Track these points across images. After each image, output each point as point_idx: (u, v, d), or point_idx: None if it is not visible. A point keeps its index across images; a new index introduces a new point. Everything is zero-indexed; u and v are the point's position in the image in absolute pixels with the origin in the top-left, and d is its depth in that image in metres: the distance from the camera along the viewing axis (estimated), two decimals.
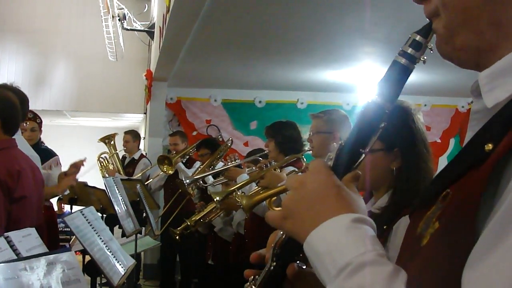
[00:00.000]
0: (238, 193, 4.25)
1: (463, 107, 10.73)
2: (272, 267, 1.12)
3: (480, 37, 0.93)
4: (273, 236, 1.18)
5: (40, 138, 6.16)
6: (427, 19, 1.04)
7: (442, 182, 0.96)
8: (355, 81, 9.00)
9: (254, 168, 4.84)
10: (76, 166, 4.59)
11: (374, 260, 0.89)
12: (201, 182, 5.87)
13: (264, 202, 3.95)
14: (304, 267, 1.12)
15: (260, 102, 10.37)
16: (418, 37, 1.05)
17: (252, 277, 1.20)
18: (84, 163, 4.81)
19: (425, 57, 1.06)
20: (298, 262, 1.11)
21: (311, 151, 4.00)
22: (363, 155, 1.09)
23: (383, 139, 2.12)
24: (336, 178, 1.04)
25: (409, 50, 1.05)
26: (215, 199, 4.41)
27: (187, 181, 5.57)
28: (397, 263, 0.95)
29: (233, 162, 5.05)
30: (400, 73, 1.06)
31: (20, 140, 3.72)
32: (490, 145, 0.84)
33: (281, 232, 1.11)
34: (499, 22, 0.91)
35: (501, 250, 0.74)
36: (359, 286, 0.87)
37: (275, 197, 3.82)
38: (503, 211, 0.76)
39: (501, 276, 0.72)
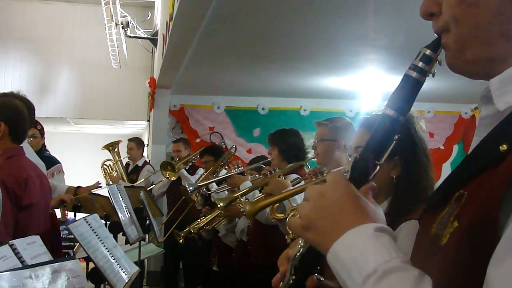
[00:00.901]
0: (242, 199, 4.26)
1: (466, 113, 10.72)
2: (291, 281, 1.13)
3: (491, 49, 0.97)
4: (288, 250, 1.19)
5: (44, 145, 6.16)
6: (436, 35, 1.08)
7: (454, 184, 0.99)
8: (358, 88, 9.01)
9: (257, 175, 4.84)
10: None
11: (399, 267, 0.90)
12: (204, 189, 5.88)
13: (267, 209, 3.96)
14: (322, 279, 1.14)
15: (263, 109, 10.37)
16: (428, 52, 1.09)
17: None
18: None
19: (434, 70, 1.10)
20: (316, 274, 1.12)
21: (315, 159, 4.01)
22: (378, 167, 1.12)
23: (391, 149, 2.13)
24: (355, 189, 1.06)
25: (420, 64, 1.09)
26: (219, 205, 4.41)
27: (191, 188, 5.58)
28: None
29: (236, 169, 5.05)
30: (412, 86, 1.10)
31: (27, 148, 3.73)
32: (504, 145, 0.87)
33: (299, 246, 1.13)
34: (509, 34, 0.96)
35: None
36: None
37: (277, 204, 3.83)
38: None
39: None
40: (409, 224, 1.92)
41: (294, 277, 1.13)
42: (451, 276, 0.89)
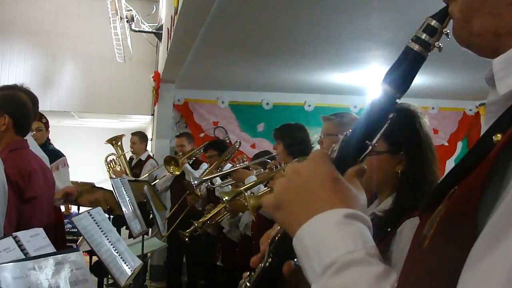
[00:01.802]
0: (246, 193, 4.25)
1: (470, 110, 10.70)
2: (267, 264, 1.04)
3: (498, 19, 0.85)
4: (270, 231, 1.10)
5: (48, 139, 6.16)
6: (444, 3, 0.98)
7: (450, 180, 0.88)
8: (363, 83, 8.99)
9: (262, 170, 4.84)
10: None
11: (362, 259, 0.83)
12: (209, 183, 5.88)
13: None
14: (299, 264, 1.01)
15: (267, 104, 10.37)
16: (433, 22, 0.99)
17: (248, 273, 1.11)
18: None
19: (440, 44, 0.99)
20: (295, 260, 1.00)
21: None
22: (370, 148, 1.02)
23: (389, 141, 2.11)
24: (335, 170, 0.96)
25: (423, 36, 0.99)
26: (224, 199, 4.41)
27: (195, 182, 5.58)
28: (403, 269, 0.89)
29: (241, 164, 5.05)
30: (413, 60, 1.00)
31: (30, 141, 3.73)
32: (498, 135, 0.77)
33: (279, 227, 1.04)
34: None
35: (496, 254, 0.67)
36: (343, 286, 0.81)
37: None
38: (500, 211, 0.70)
39: (492, 282, 0.66)
40: (414, 221, 1.90)
41: (270, 260, 1.04)
42: (429, 280, 0.79)
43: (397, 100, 1.02)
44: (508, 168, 0.74)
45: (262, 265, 1.06)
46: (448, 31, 0.97)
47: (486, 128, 0.86)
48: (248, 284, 1.09)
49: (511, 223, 0.67)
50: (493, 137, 0.78)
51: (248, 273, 1.12)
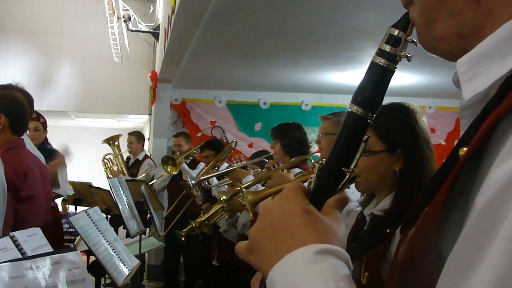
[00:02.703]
0: (244, 191, 4.24)
1: None
2: None
3: (459, 19, 0.78)
4: (259, 274, 1.05)
5: (46, 138, 6.15)
6: (405, 9, 0.91)
7: (424, 197, 0.83)
8: None
9: (259, 169, 4.84)
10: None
11: None
12: (206, 183, 5.87)
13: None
14: None
15: (264, 103, 10.37)
16: (395, 32, 0.92)
17: None
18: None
19: (409, 54, 0.93)
20: None
21: (318, 153, 4.01)
22: (348, 175, 0.95)
23: (385, 140, 2.10)
24: (307, 203, 0.90)
25: (387, 48, 0.92)
26: (221, 198, 4.41)
27: (193, 181, 5.58)
28: None
29: (238, 163, 5.05)
30: (380, 75, 0.93)
31: (26, 141, 3.73)
32: (464, 149, 0.72)
33: None
34: None
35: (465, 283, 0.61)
36: None
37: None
38: (458, 244, 0.65)
39: None
40: None
41: None
42: None
43: (369, 121, 0.96)
44: (473, 185, 0.69)
45: None
46: (415, 39, 0.91)
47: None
48: None
49: (466, 270, 0.61)
50: (459, 151, 0.73)
51: None
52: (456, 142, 0.81)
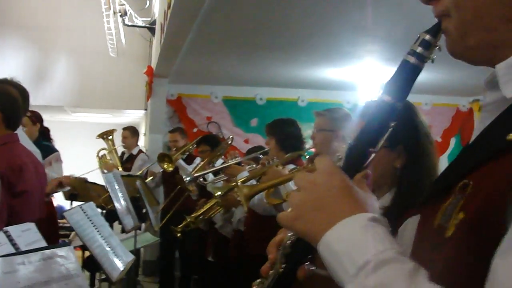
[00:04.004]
0: (239, 185, 4.22)
1: (464, 106, 10.74)
2: (281, 269, 1.10)
3: (493, 33, 0.93)
4: (277, 238, 1.16)
5: (42, 134, 6.10)
6: (436, 19, 1.04)
7: (457, 173, 0.96)
8: (356, 79, 9.00)
9: (254, 165, 4.84)
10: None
11: (394, 258, 0.88)
12: (201, 179, 5.87)
13: (264, 199, 3.94)
14: (314, 268, 1.10)
15: (261, 99, 10.37)
16: (427, 37, 1.05)
17: (259, 280, 1.17)
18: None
19: (434, 56, 1.07)
20: (307, 263, 1.09)
21: (313, 149, 4.01)
22: (373, 155, 1.10)
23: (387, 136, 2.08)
24: (348, 178, 1.03)
25: (419, 49, 1.06)
26: (216, 194, 4.40)
27: (187, 178, 5.57)
28: (413, 253, 0.97)
29: (233, 160, 5.05)
30: (410, 72, 1.07)
31: (22, 136, 3.71)
32: (511, 134, 0.84)
33: (289, 234, 1.10)
34: (511, 17, 0.92)
35: None
36: (380, 284, 0.85)
37: (273, 189, 3.80)
38: None
39: None
40: (416, 219, 1.86)
41: (284, 266, 1.10)
42: (457, 268, 0.87)
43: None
44: None
45: (275, 272, 1.11)
46: (440, 45, 1.05)
47: (482, 127, 0.96)
48: None
49: None
50: (507, 136, 0.85)
51: (258, 281, 1.17)
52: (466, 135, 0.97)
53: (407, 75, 1.07)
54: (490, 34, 0.94)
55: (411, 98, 2.22)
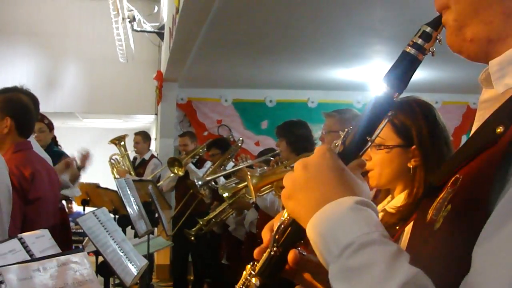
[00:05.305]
0: (249, 174, 4.19)
1: (474, 103, 10.67)
2: (272, 252, 1.10)
3: (490, 27, 0.95)
4: (271, 222, 1.16)
5: (54, 140, 6.15)
6: (438, 12, 1.05)
7: (449, 169, 0.98)
8: (366, 79, 8.98)
9: (265, 168, 4.84)
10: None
11: (377, 240, 0.88)
12: (213, 183, 5.88)
13: (277, 203, 3.95)
14: (305, 254, 1.11)
15: (270, 101, 10.38)
16: (428, 29, 1.06)
17: (252, 263, 1.18)
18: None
19: (434, 49, 1.07)
20: (299, 248, 1.09)
21: None
22: (369, 143, 1.10)
23: (402, 135, 2.05)
24: (341, 162, 1.04)
25: (419, 41, 1.06)
26: (224, 195, 4.41)
27: (199, 182, 5.58)
28: (410, 251, 0.94)
29: (244, 163, 5.05)
30: (409, 63, 1.07)
31: (33, 143, 3.74)
32: (501, 127, 0.85)
33: (282, 218, 1.10)
34: (509, 12, 0.93)
35: (508, 229, 0.75)
36: (362, 264, 0.86)
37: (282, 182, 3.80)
38: (508, 195, 0.78)
39: (507, 254, 0.74)
40: None
41: (275, 249, 1.10)
42: (444, 259, 0.87)
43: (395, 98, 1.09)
44: None
45: (267, 254, 1.12)
46: (440, 38, 1.06)
47: (478, 124, 0.97)
48: (253, 272, 1.16)
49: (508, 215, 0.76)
50: (496, 129, 0.86)
51: (251, 263, 1.18)
52: (470, 129, 0.99)
53: (407, 66, 1.07)
54: (486, 27, 0.95)
55: (422, 96, 2.22)
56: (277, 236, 1.10)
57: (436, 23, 1.06)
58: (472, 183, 0.87)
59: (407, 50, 1.07)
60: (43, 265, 1.80)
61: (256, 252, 1.16)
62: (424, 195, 1.10)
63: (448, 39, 1.03)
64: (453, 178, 0.94)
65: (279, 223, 1.10)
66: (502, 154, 0.82)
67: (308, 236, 0.97)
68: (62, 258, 1.91)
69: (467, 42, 0.98)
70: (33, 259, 2.01)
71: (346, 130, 1.13)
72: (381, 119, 1.10)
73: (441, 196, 0.95)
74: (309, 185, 1.00)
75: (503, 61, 0.94)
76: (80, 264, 1.94)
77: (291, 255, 1.08)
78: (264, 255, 1.13)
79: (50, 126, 6.00)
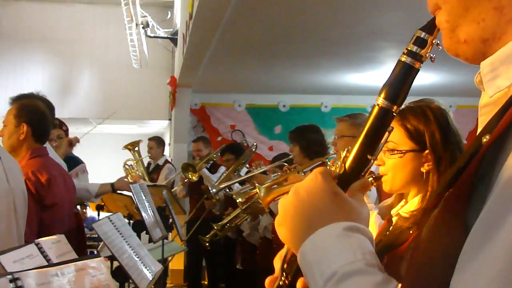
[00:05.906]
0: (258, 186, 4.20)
1: None
2: (281, 283, 1.07)
3: (483, 25, 0.87)
4: (282, 251, 1.12)
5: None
6: (432, 15, 0.99)
7: (444, 184, 0.90)
8: (379, 83, 8.88)
9: (279, 173, 4.84)
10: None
11: (360, 269, 0.84)
12: (227, 190, 5.88)
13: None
14: None
15: (284, 106, 10.39)
16: (422, 34, 1.01)
17: None
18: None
19: (433, 55, 1.02)
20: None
21: (335, 155, 3.99)
22: (372, 162, 1.05)
23: (415, 139, 2.05)
24: (335, 185, 0.99)
25: (414, 48, 1.01)
26: (237, 200, 4.41)
27: (213, 190, 5.58)
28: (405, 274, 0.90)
29: (258, 169, 5.05)
30: (406, 72, 1.02)
31: (48, 148, 3.77)
32: (487, 136, 0.79)
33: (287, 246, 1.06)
34: (500, 7, 0.85)
35: (483, 255, 0.69)
36: None
37: None
38: (485, 210, 0.72)
39: (484, 283, 0.67)
40: None
41: (283, 278, 1.06)
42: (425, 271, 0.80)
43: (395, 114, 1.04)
44: (495, 167, 0.76)
45: (277, 284, 1.08)
46: (438, 42, 1.00)
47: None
48: None
49: (496, 224, 0.69)
50: (483, 138, 0.80)
51: None
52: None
53: (404, 76, 1.02)
54: (479, 25, 0.87)
55: (436, 100, 2.21)
56: (285, 266, 1.07)
57: (431, 27, 1.00)
58: (451, 196, 0.82)
59: (402, 59, 1.02)
60: (61, 270, 1.82)
61: (267, 282, 1.12)
62: (423, 212, 1.05)
63: (444, 42, 0.96)
64: (447, 194, 0.85)
65: (284, 251, 1.08)
66: (477, 165, 0.78)
67: (300, 266, 0.93)
68: (80, 263, 1.93)
69: (462, 44, 0.91)
70: (51, 264, 2.03)
71: (346, 149, 1.08)
72: (381, 136, 1.05)
73: (433, 213, 0.87)
74: (299, 211, 0.96)
75: (494, 61, 0.86)
76: (98, 269, 1.96)
77: (298, 284, 1.03)
78: (275, 285, 1.09)
79: (67, 133, 6.04)
